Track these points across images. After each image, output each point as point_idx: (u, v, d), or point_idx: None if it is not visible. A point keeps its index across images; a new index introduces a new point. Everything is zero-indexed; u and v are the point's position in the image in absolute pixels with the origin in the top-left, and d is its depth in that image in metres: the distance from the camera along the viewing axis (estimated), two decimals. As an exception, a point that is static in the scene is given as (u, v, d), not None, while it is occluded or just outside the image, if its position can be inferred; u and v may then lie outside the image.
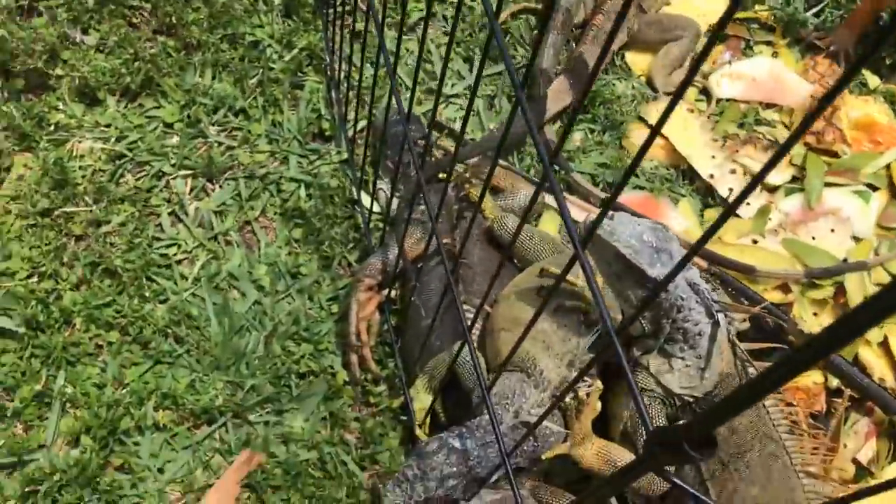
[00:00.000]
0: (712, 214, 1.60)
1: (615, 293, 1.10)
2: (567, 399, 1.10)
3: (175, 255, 1.42)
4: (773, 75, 1.75)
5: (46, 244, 1.37)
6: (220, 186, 1.50)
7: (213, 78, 1.58)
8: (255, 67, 1.59)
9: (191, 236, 1.44)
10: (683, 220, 1.59)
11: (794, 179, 1.64)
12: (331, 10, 1.58)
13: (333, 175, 1.51)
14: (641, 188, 1.62)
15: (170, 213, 1.46)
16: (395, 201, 1.43)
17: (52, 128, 1.49)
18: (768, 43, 1.83)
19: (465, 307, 1.27)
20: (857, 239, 1.57)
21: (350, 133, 1.53)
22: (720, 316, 1.08)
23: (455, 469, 1.08)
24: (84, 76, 1.52)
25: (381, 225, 1.40)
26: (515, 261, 1.38)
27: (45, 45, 1.54)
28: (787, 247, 1.54)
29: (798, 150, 1.66)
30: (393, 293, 1.36)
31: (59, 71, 1.54)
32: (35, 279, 1.35)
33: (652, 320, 1.09)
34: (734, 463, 1.09)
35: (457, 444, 1.09)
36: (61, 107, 1.52)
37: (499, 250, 1.38)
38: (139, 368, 1.30)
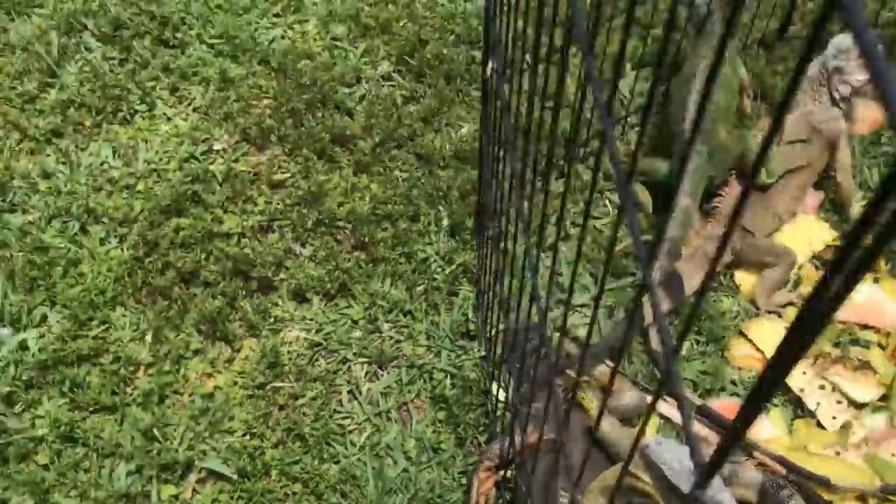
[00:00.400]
0: (800, 425, 1.81)
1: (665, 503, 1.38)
2: (622, 582, 1.38)
3: (349, 426, 1.85)
4: (870, 300, 1.96)
5: (258, 411, 1.85)
6: (387, 372, 1.94)
7: (391, 285, 2.06)
8: (422, 278, 2.05)
9: (362, 411, 1.88)
10: (773, 427, 1.81)
11: (883, 398, 1.82)
12: (485, 233, 2.02)
13: (473, 369, 1.91)
14: (738, 395, 1.88)
15: (348, 392, 1.91)
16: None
17: (272, 320, 2.02)
18: (871, 269, 2.04)
19: (565, 494, 1.59)
20: (937, 460, 1.72)
21: (489, 335, 1.93)
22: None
23: None
24: (299, 281, 2.05)
25: (507, 414, 1.76)
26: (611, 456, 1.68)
27: (274, 257, 2.09)
28: (868, 462, 1.72)
29: (888, 370, 1.85)
30: (508, 474, 1.71)
31: (281, 276, 2.08)
32: (248, 437, 1.83)
33: (690, 526, 1.35)
34: None
35: None
36: (280, 304, 2.05)
37: (598, 447, 1.69)
38: (313, 515, 1.72)
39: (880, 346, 1.92)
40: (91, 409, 1.86)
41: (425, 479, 1.76)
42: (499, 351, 1.86)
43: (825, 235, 2.09)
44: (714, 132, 2.01)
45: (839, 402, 1.82)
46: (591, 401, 1.76)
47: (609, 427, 1.67)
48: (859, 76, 2.02)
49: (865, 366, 1.87)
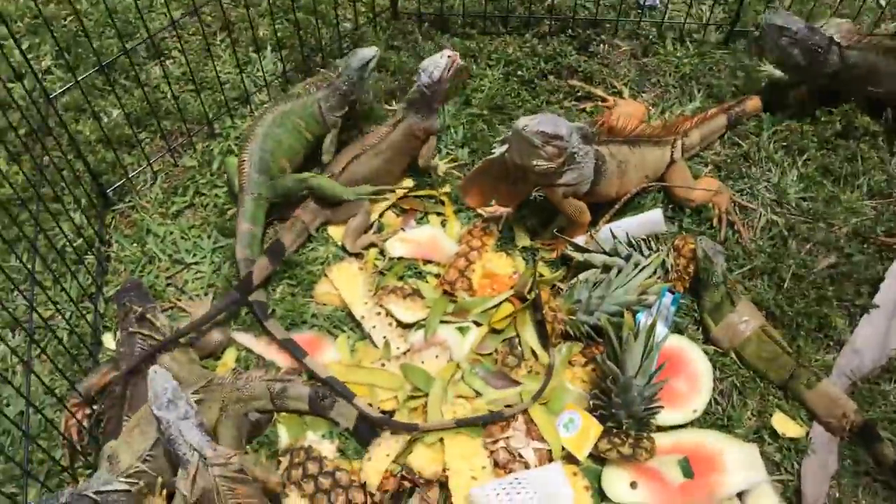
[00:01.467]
0: (360, 346, 2.19)
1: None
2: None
3: (-24, 382, 2.14)
4: (431, 239, 2.37)
5: None
6: (18, 334, 2.22)
7: (27, 259, 2.33)
8: (52, 252, 2.33)
9: (-9, 369, 2.16)
10: (337, 352, 2.19)
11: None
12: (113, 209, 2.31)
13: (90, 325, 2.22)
14: (317, 327, 2.24)
15: (-20, 354, 2.19)
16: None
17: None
18: (439, 214, 2.44)
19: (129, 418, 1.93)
20: (450, 366, 2.13)
21: (105, 296, 2.24)
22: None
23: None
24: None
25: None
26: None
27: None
28: (402, 369, 2.12)
29: (433, 295, 2.25)
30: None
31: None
32: None
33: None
34: None
35: None
36: (-74, 283, 2.30)
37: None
38: None
39: (438, 276, 2.31)
40: None
41: (39, 419, 2.06)
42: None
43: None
44: (274, 162, 2.35)
45: (390, 325, 2.21)
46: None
47: (169, 361, 2.02)
48: (438, 73, 2.38)
49: (416, 293, 2.26)
